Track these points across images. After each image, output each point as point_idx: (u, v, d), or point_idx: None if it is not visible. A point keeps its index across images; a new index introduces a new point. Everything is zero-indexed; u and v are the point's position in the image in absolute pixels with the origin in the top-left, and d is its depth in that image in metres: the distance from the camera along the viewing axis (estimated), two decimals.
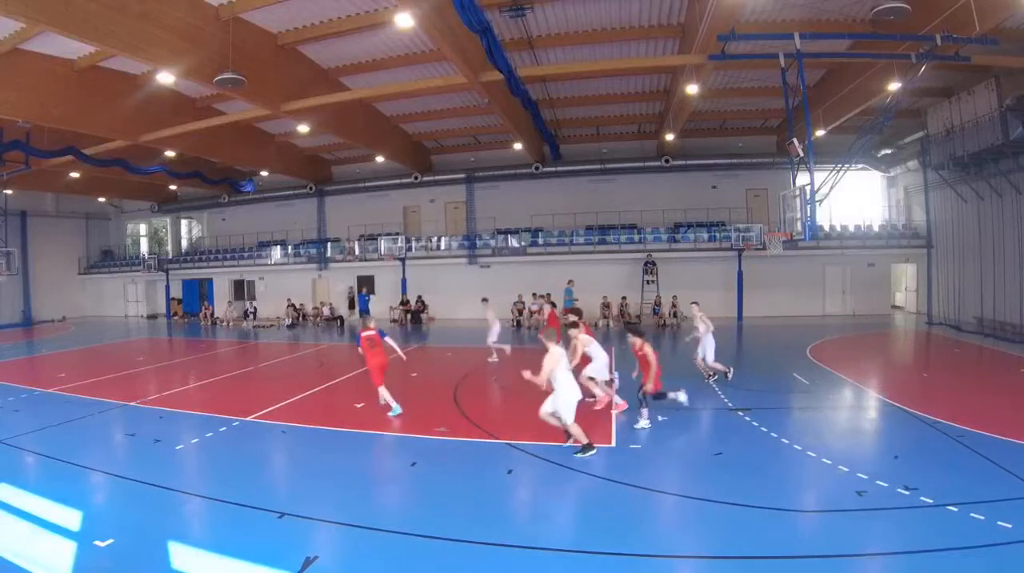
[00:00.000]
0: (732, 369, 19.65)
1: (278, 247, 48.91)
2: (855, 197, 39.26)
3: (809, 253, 36.55)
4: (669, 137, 35.23)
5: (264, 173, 47.82)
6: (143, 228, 60.39)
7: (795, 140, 21.90)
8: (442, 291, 42.85)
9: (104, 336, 38.49)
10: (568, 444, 12.17)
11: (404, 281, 43.49)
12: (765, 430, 13.33)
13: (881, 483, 9.88)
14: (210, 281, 52.24)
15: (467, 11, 19.24)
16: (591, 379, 15.64)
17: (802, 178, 22.77)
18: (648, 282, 38.36)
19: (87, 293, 55.78)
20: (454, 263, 43.66)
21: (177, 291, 53.59)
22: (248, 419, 15.37)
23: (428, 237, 45.34)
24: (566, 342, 15.54)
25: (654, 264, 38.43)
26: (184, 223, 58.57)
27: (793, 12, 22.46)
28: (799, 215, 22.70)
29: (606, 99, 35.11)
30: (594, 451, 11.80)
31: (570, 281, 36.24)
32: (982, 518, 8.49)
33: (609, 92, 34.20)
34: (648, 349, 14.16)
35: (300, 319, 43.45)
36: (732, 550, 7.99)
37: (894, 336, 31.90)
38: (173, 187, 51.55)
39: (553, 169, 42.50)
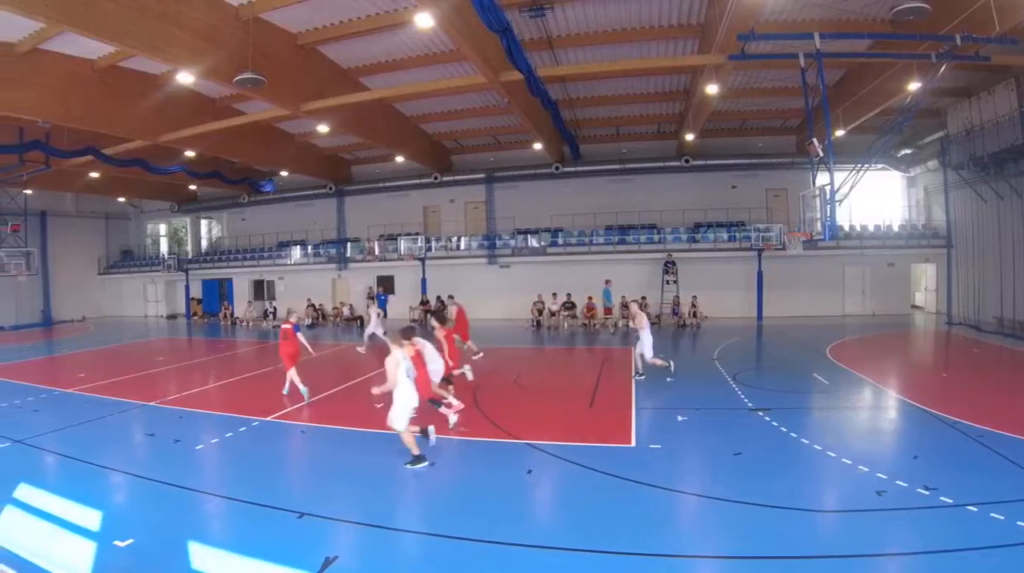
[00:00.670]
0: (672, 363, 20.00)
1: (298, 247, 49.00)
2: (875, 197, 38.98)
3: (829, 253, 36.46)
4: (689, 137, 35.20)
5: (284, 173, 47.93)
6: (163, 228, 60.47)
7: (815, 140, 21.91)
8: (462, 291, 42.49)
9: (124, 336, 38.64)
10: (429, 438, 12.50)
11: (424, 281, 43.44)
12: (785, 430, 13.30)
13: (901, 483, 9.85)
14: (230, 281, 52.39)
15: (487, 11, 19.18)
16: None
17: (822, 178, 22.78)
18: (668, 282, 38.27)
19: (107, 293, 55.95)
20: (474, 263, 43.64)
21: (197, 291, 53.64)
22: (268, 419, 15.40)
23: (448, 237, 45.36)
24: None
25: (674, 264, 38.35)
26: (204, 223, 58.72)
27: (813, 12, 22.35)
28: (819, 215, 22.68)
29: (626, 99, 35.03)
30: (425, 464, 11.61)
31: (608, 281, 36.22)
32: (1002, 518, 8.47)
33: (629, 92, 34.11)
34: (447, 332, 15.94)
35: (320, 319, 43.64)
36: (752, 550, 7.99)
37: (914, 336, 31.83)
38: (193, 187, 51.52)
39: (573, 169, 42.40)
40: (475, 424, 14.78)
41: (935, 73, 21.78)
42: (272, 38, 23.79)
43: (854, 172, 22.81)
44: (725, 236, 39.13)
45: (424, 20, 19.81)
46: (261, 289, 51.10)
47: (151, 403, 17.31)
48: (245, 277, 51.39)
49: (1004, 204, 29.25)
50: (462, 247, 44.52)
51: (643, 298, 33.41)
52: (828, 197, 21.69)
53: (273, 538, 8.68)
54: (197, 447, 13.17)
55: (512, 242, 43.03)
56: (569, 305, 37.13)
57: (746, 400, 16.53)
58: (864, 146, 28.39)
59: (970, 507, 8.85)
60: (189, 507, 10.04)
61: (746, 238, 37.96)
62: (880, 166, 34.58)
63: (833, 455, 11.46)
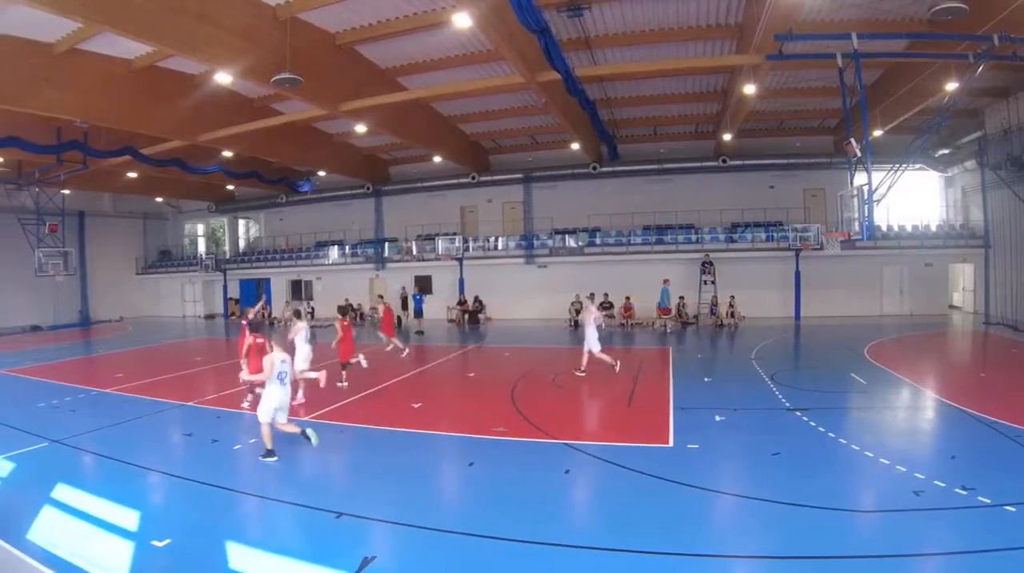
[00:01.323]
0: (619, 362, 20.29)
1: (336, 247, 49.21)
2: (912, 197, 38.66)
3: (867, 253, 36.44)
4: (726, 137, 35.14)
5: (321, 173, 48.07)
6: (200, 228, 60.84)
7: (852, 140, 21.85)
8: (499, 291, 42.90)
9: (161, 336, 38.91)
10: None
11: (462, 281, 43.53)
12: (823, 430, 13.26)
13: (939, 483, 9.81)
14: (268, 281, 52.67)
15: (525, 11, 19.14)
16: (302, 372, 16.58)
17: (859, 178, 22.77)
18: (706, 282, 38.18)
19: (144, 293, 56.42)
20: (511, 263, 43.73)
21: (235, 291, 53.91)
22: (305, 419, 15.37)
23: (485, 237, 45.52)
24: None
25: (712, 264, 38.28)
26: (241, 223, 59.20)
27: (850, 12, 22.27)
28: (857, 215, 22.66)
29: (664, 99, 35.02)
30: (275, 458, 11.98)
31: (666, 280, 36.22)
32: None
33: (667, 92, 34.10)
34: (344, 323, 19.46)
35: (358, 319, 43.40)
36: (790, 550, 7.99)
37: (951, 336, 31.66)
38: (230, 187, 51.85)
39: (611, 169, 42.38)
40: (513, 424, 14.79)
41: (973, 73, 21.75)
42: (310, 38, 23.83)
43: (892, 172, 22.79)
44: (763, 236, 39.09)
45: (462, 20, 19.82)
46: (299, 289, 51.27)
47: (189, 403, 17.41)
48: (283, 277, 51.68)
49: None
50: (500, 247, 44.65)
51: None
52: (866, 197, 21.68)
53: (311, 538, 8.78)
54: (235, 447, 13.27)
55: (550, 242, 43.14)
56: (607, 305, 37.04)
57: (784, 400, 16.51)
58: (902, 146, 28.36)
59: (1008, 507, 8.82)
60: (227, 507, 10.15)
61: (784, 238, 37.88)
62: (918, 166, 34.36)
63: (871, 455, 11.42)
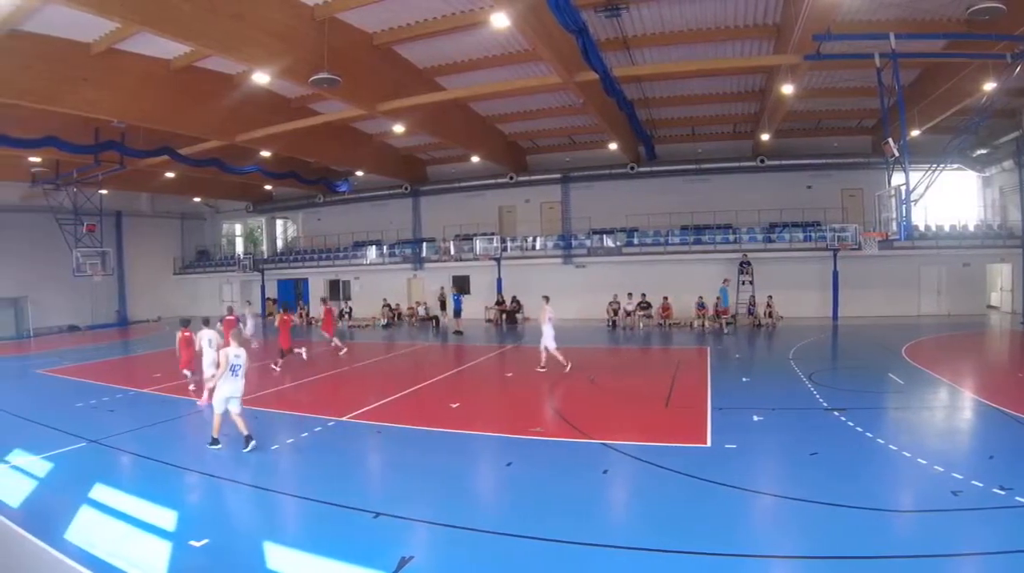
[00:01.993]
0: (570, 364, 20.99)
1: (373, 247, 49.50)
2: (950, 197, 38.67)
3: (904, 253, 36.28)
4: (764, 137, 35.09)
5: (359, 173, 48.27)
6: (238, 228, 61.29)
7: (890, 140, 21.86)
8: (537, 291, 42.51)
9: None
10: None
11: (499, 281, 43.68)
12: (861, 430, 13.24)
13: (976, 483, 9.80)
14: (305, 281, 53.07)
15: (563, 11, 19.10)
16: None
17: (897, 178, 22.78)
18: (744, 282, 38.05)
19: (182, 293, 56.56)
20: (549, 263, 43.84)
21: (272, 291, 54.25)
22: (343, 419, 15.55)
23: (523, 237, 45.62)
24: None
25: (749, 264, 38.15)
26: (279, 223, 59.60)
27: (888, 12, 22.25)
28: (894, 215, 22.65)
29: (702, 99, 34.99)
30: (219, 446, 12.89)
31: (725, 280, 35.99)
32: None
33: (704, 92, 34.06)
34: (283, 318, 23.15)
35: (396, 319, 43.81)
36: (828, 550, 8.00)
37: (989, 336, 31.42)
38: (268, 187, 52.25)
39: (648, 169, 42.46)
40: (551, 424, 14.92)
41: (1010, 73, 21.66)
42: (348, 38, 23.93)
43: (929, 172, 22.77)
44: (801, 236, 39.04)
45: (500, 20, 19.87)
46: (337, 289, 51.46)
47: None
48: (321, 277, 51.91)
49: None
50: (537, 247, 44.74)
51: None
52: (903, 197, 21.66)
53: (348, 538, 8.79)
54: (273, 447, 13.35)
55: (588, 242, 43.19)
56: (645, 305, 37.15)
57: (821, 400, 16.50)
58: (939, 146, 28.18)
59: None
60: (264, 507, 10.35)
61: (822, 238, 37.79)
62: (955, 166, 34.15)
63: (908, 455, 11.43)
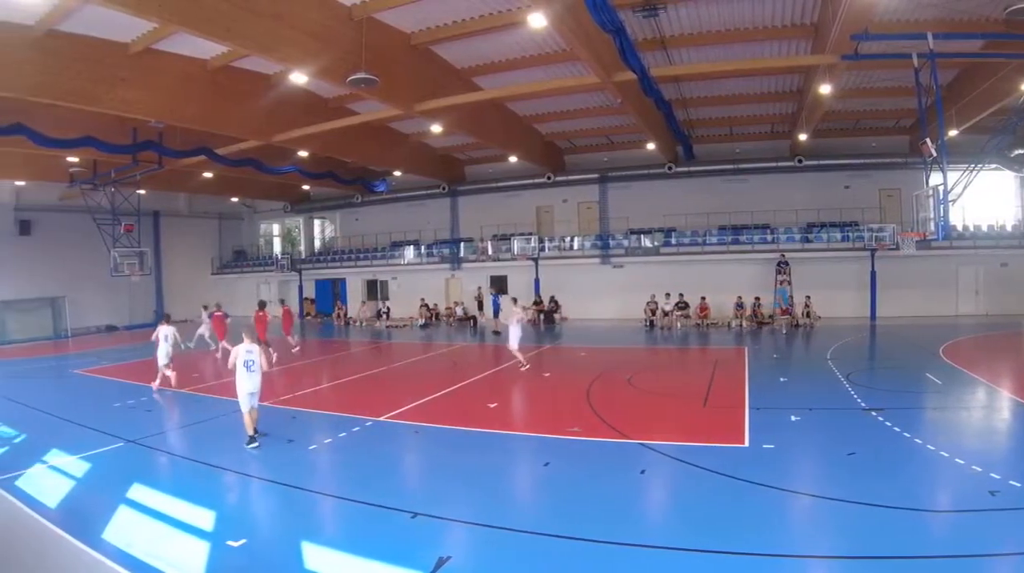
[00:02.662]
0: (529, 365, 22.11)
1: (411, 247, 49.59)
2: (988, 197, 38.25)
3: (942, 253, 35.99)
4: (802, 137, 34.89)
5: (397, 173, 48.26)
6: (276, 228, 61.65)
7: (928, 140, 21.70)
8: (575, 291, 42.95)
9: (236, 337, 38.56)
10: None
11: (537, 281, 43.73)
12: (898, 430, 13.25)
13: (1014, 483, 9.82)
14: (343, 281, 53.28)
15: (600, 11, 18.99)
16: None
17: (935, 178, 22.69)
18: (781, 282, 37.97)
19: (220, 293, 55.00)
20: (587, 263, 43.85)
21: (310, 291, 54.56)
22: (381, 419, 15.70)
23: (561, 237, 45.64)
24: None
25: (787, 264, 38.08)
26: (317, 223, 59.87)
27: (926, 12, 22.08)
28: (932, 215, 22.50)
29: (739, 99, 34.88)
30: (255, 445, 13.09)
31: (782, 281, 36.20)
32: None
33: (742, 92, 33.95)
34: (259, 314, 24.40)
35: (433, 319, 43.99)
36: (866, 550, 8.03)
37: None
38: (306, 187, 52.49)
39: (686, 169, 42.33)
40: (588, 424, 14.93)
41: None
42: (385, 38, 23.92)
43: (967, 172, 22.65)
44: (838, 236, 38.86)
45: (537, 20, 19.71)
46: (375, 289, 51.69)
47: (264, 403, 17.35)
48: (358, 277, 52.21)
49: None
50: (575, 247, 44.72)
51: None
52: (941, 197, 21.55)
53: (386, 538, 8.90)
54: (311, 447, 13.56)
55: (625, 242, 43.12)
56: (682, 305, 37.15)
57: (859, 400, 16.50)
58: (977, 146, 28.03)
59: None
60: (302, 507, 10.45)
61: (859, 238, 37.59)
62: (993, 166, 33.84)
63: (946, 455, 11.44)
